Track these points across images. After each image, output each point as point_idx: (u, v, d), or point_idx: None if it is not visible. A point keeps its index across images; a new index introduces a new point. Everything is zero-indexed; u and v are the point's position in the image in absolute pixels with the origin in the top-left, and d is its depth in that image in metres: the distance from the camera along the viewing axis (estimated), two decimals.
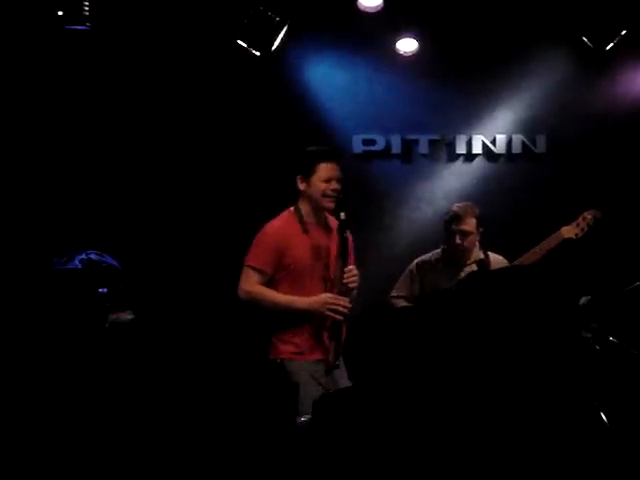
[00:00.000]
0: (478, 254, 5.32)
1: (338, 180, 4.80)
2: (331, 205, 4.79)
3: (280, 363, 4.65)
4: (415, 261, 5.54)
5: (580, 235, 5.42)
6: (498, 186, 6.75)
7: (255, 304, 4.77)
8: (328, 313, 4.69)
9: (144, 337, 3.20)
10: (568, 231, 5.42)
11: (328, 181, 4.78)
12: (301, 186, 4.83)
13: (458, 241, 5.29)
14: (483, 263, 5.20)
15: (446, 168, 6.87)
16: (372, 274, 5.48)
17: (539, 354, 2.71)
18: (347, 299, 4.73)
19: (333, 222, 4.90)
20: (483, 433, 2.63)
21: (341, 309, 4.68)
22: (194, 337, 3.14)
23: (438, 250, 5.52)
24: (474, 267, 5.24)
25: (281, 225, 4.83)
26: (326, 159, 4.81)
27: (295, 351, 4.73)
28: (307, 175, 4.80)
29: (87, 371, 3.09)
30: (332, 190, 4.77)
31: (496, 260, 5.33)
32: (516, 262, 5.35)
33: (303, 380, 4.47)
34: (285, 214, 4.88)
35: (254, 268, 4.75)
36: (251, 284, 4.75)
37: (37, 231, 6.20)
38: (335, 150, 5.07)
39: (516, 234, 6.14)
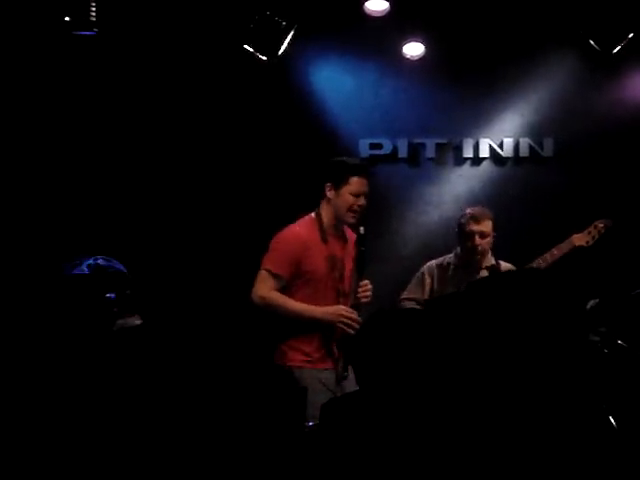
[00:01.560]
0: (490, 260, 5.31)
1: (365, 196, 4.80)
2: (353, 221, 4.79)
3: (288, 370, 4.62)
4: (427, 264, 5.51)
5: (591, 243, 5.44)
6: (505, 190, 6.75)
7: (268, 309, 4.72)
8: (340, 325, 4.68)
9: (152, 342, 3.20)
10: (579, 239, 5.42)
11: (358, 196, 4.77)
12: (329, 194, 4.81)
13: (477, 241, 5.25)
14: (495, 269, 5.19)
15: (453, 172, 6.86)
16: (379, 278, 5.45)
17: (547, 357, 2.70)
18: (358, 314, 4.72)
19: (349, 233, 4.89)
20: (492, 438, 2.63)
21: (353, 323, 4.66)
22: (202, 342, 3.14)
23: (450, 255, 5.49)
24: (486, 273, 5.22)
25: (302, 232, 4.80)
26: (360, 173, 4.81)
27: (305, 359, 4.70)
28: (338, 185, 4.78)
29: (94, 376, 3.09)
30: (359, 206, 4.77)
31: (506, 268, 5.31)
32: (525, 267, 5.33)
33: (312, 387, 4.43)
34: (306, 220, 4.85)
35: (271, 272, 4.71)
36: (267, 289, 4.70)
37: (46, 237, 6.21)
38: (368, 166, 5.06)
39: (523, 238, 6.13)
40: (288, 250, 4.73)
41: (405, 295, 5.49)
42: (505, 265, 5.32)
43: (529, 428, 2.62)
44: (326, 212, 4.83)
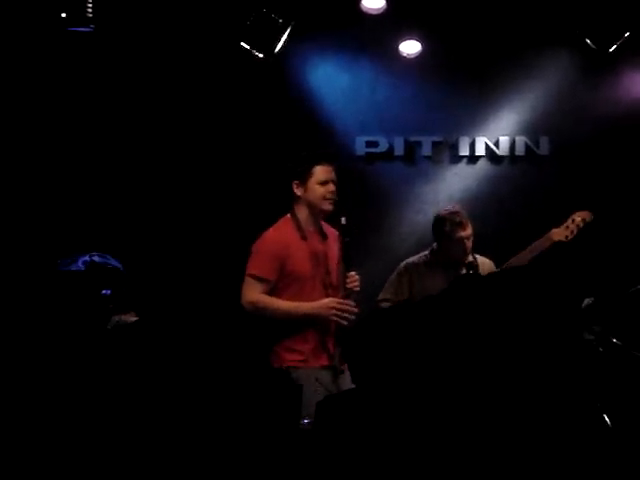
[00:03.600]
0: (469, 256, 5.33)
1: (334, 182, 4.80)
2: (330, 208, 4.78)
3: (286, 370, 4.60)
4: (403, 264, 5.47)
5: (570, 237, 5.41)
6: (501, 188, 6.76)
7: (259, 313, 4.71)
8: (333, 318, 4.67)
9: (147, 339, 3.20)
10: (558, 233, 5.40)
11: (325, 183, 4.76)
12: (298, 191, 4.80)
13: (469, 245, 5.28)
14: (473, 266, 5.21)
15: (449, 170, 6.87)
16: (374, 276, 5.46)
17: (542, 356, 2.71)
18: (352, 302, 4.71)
19: (327, 229, 4.89)
20: (486, 437, 2.63)
21: (347, 314, 4.66)
22: (197, 339, 3.14)
23: (426, 252, 5.48)
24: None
25: (279, 233, 4.79)
26: (322, 161, 4.80)
27: (300, 359, 4.67)
28: (303, 180, 4.78)
29: (89, 373, 3.09)
30: (330, 192, 4.76)
31: (483, 262, 5.35)
32: (505, 265, 5.33)
33: (308, 386, 4.41)
34: (282, 222, 4.85)
35: (256, 277, 4.70)
36: (254, 293, 4.68)
37: (41, 233, 6.21)
38: (330, 152, 5.03)
39: (518, 236, 6.12)
40: (269, 252, 4.72)
41: (382, 296, 5.46)
42: (482, 259, 5.36)
43: (524, 428, 2.62)
44: (300, 210, 4.82)
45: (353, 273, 4.77)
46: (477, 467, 2.61)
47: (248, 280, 4.73)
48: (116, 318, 3.62)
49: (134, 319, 3.62)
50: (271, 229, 4.83)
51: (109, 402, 3.00)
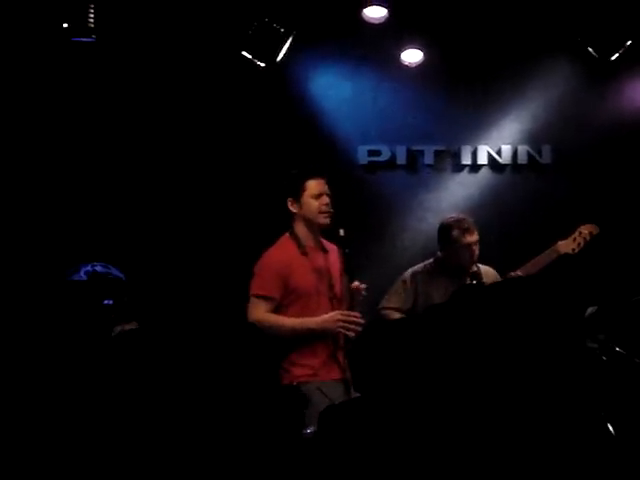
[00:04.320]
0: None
1: (328, 195, 4.80)
2: (327, 221, 4.78)
3: (296, 387, 4.55)
4: (408, 272, 5.48)
5: (577, 250, 5.41)
6: (504, 196, 6.75)
7: (266, 332, 4.69)
8: (340, 330, 4.66)
9: (149, 349, 3.20)
10: (565, 246, 5.41)
11: (319, 196, 4.76)
12: (293, 208, 4.81)
13: (476, 251, 5.28)
14: (476, 275, 5.21)
15: (451, 179, 6.86)
16: (377, 284, 5.45)
17: (545, 365, 2.70)
18: (358, 313, 4.70)
19: (327, 244, 4.89)
20: (489, 445, 2.62)
21: (353, 326, 4.64)
22: (199, 349, 3.13)
23: (430, 261, 5.48)
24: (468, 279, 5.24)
25: (280, 251, 4.79)
26: (313, 175, 4.80)
27: (309, 373, 4.66)
28: (297, 196, 4.78)
29: (90, 382, 3.08)
30: (325, 205, 4.76)
31: (486, 271, 5.34)
32: (511, 275, 5.32)
33: (314, 399, 4.40)
34: (282, 240, 4.85)
35: (260, 296, 4.69)
36: (259, 313, 4.66)
37: (44, 243, 6.21)
38: (320, 166, 5.02)
39: (521, 245, 6.12)
40: (271, 271, 4.72)
41: (385, 304, 5.45)
42: (485, 268, 5.35)
43: (528, 437, 2.61)
44: (298, 227, 4.83)
45: (357, 283, 4.76)
46: (480, 477, 2.61)
47: (253, 300, 4.72)
48: (118, 328, 3.61)
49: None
50: (272, 248, 4.84)
51: (111, 410, 3.00)
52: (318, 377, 4.65)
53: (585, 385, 2.89)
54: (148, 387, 3.05)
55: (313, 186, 4.78)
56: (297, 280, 4.71)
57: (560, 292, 2.80)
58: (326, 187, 4.81)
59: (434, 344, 2.78)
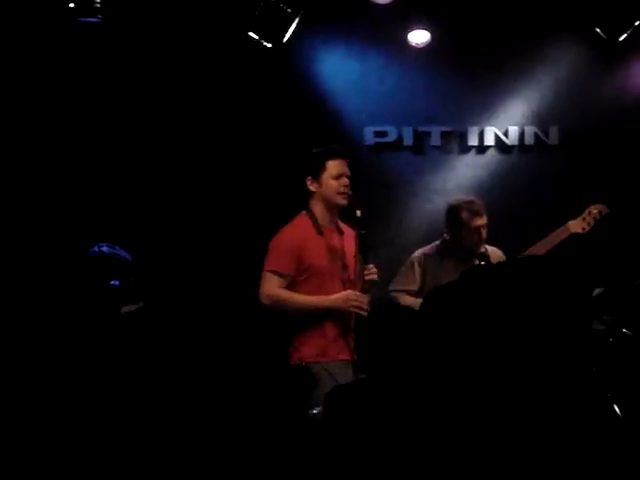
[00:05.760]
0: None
1: (348, 176, 4.82)
2: (345, 202, 4.81)
3: (305, 366, 4.58)
4: (416, 253, 5.49)
5: (587, 229, 5.40)
6: (511, 178, 6.74)
7: (277, 308, 4.73)
8: (353, 310, 4.68)
9: (155, 330, 3.21)
10: (575, 225, 5.39)
11: (339, 177, 4.79)
12: (312, 187, 4.83)
13: (484, 234, 5.28)
14: (485, 256, 5.21)
15: (458, 160, 6.85)
16: (384, 265, 5.44)
17: (551, 346, 2.70)
18: (367, 297, 4.71)
19: (343, 226, 4.90)
20: (494, 425, 2.63)
21: (364, 306, 4.66)
22: (205, 330, 3.14)
23: (437, 242, 5.49)
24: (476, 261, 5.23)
25: (295, 229, 4.83)
26: (334, 156, 4.83)
27: (318, 352, 4.67)
28: (317, 175, 4.81)
29: (98, 361, 3.09)
30: (344, 186, 4.78)
31: (493, 251, 5.34)
32: (522, 255, 5.32)
33: (322, 379, 4.43)
34: (298, 219, 4.88)
35: (274, 272, 4.72)
36: (272, 288, 4.70)
37: (51, 225, 6.21)
38: (342, 147, 5.04)
39: (528, 225, 6.12)
40: (286, 247, 4.75)
41: (394, 287, 5.46)
42: (492, 249, 5.35)
43: (535, 417, 2.62)
44: (315, 206, 4.85)
45: (371, 266, 4.77)
46: (486, 456, 2.61)
47: (266, 275, 4.74)
48: (125, 309, 3.62)
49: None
50: (287, 225, 4.86)
51: (118, 394, 3.01)
52: (327, 357, 4.67)
53: (592, 366, 2.90)
54: (154, 367, 3.05)
55: (333, 166, 4.80)
56: (311, 258, 4.73)
57: (569, 272, 2.80)
58: (346, 169, 4.84)
59: (443, 324, 2.78)
